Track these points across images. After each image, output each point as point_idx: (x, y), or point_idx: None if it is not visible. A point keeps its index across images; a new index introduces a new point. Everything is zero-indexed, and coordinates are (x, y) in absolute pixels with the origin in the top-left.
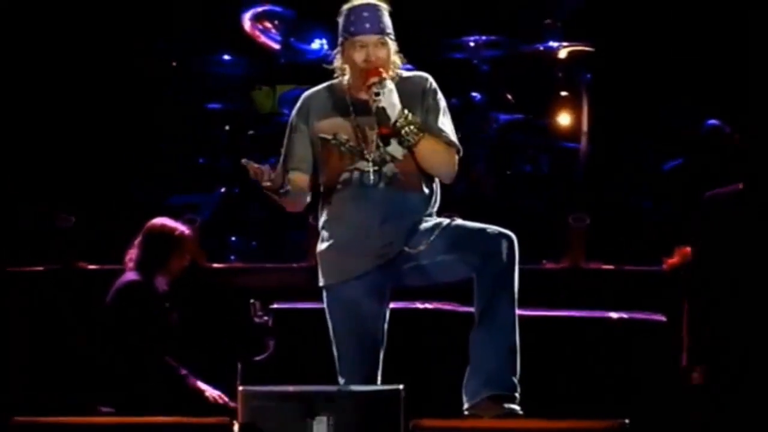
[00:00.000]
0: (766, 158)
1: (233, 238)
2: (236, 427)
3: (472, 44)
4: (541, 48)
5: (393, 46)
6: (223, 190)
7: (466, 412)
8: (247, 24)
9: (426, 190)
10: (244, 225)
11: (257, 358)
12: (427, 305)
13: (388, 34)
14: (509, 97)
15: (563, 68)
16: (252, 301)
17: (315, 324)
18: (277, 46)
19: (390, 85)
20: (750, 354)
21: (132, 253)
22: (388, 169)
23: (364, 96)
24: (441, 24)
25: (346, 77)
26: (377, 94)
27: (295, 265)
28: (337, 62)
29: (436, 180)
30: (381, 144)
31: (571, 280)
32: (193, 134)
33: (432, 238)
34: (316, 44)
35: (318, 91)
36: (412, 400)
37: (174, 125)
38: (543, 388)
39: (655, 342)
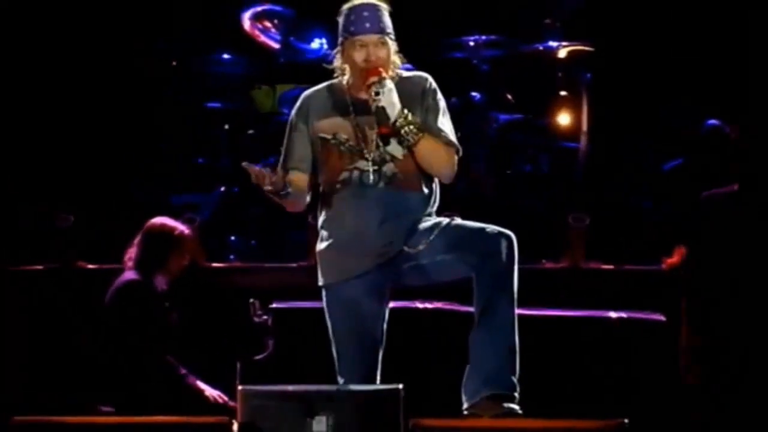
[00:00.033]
0: (763, 158)
1: (233, 238)
2: (236, 427)
3: (471, 44)
4: (541, 48)
5: (393, 45)
6: (222, 189)
7: (465, 412)
8: (246, 23)
9: (425, 190)
10: (243, 224)
11: (257, 358)
12: (427, 305)
13: (388, 34)
14: (509, 96)
15: (563, 68)
16: (251, 300)
17: (314, 323)
18: (276, 46)
19: (390, 84)
20: (749, 354)
21: (131, 253)
22: (388, 168)
23: (363, 95)
24: (441, 24)
25: (346, 77)
26: (377, 94)
27: (294, 264)
28: (337, 62)
29: (436, 180)
30: (381, 143)
31: (570, 280)
32: (192, 134)
33: (431, 238)
34: (315, 44)
35: (318, 91)
36: (412, 400)
37: (174, 125)
38: (542, 387)
39: (655, 342)
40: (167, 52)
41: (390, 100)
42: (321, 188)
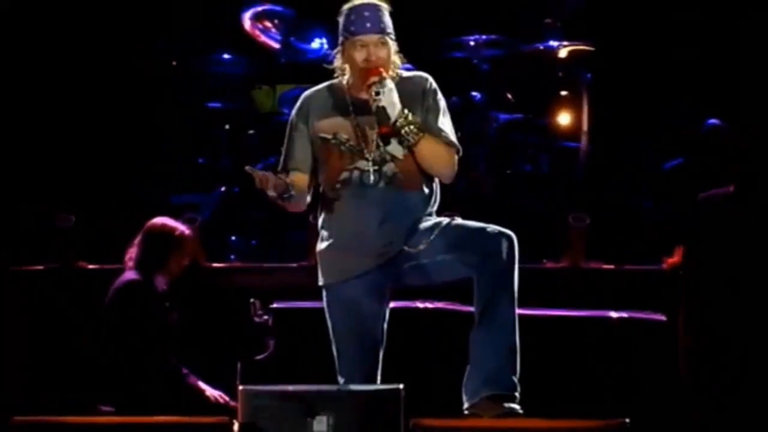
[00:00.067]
0: (762, 159)
1: (233, 238)
2: (236, 427)
3: (472, 43)
4: (542, 47)
5: (393, 45)
6: (223, 189)
7: (466, 412)
8: (247, 23)
9: (426, 190)
10: (244, 224)
11: (257, 358)
12: (427, 305)
13: (388, 34)
14: (509, 96)
15: (563, 68)
16: (252, 300)
17: (315, 323)
18: (277, 46)
19: (390, 84)
20: (748, 354)
21: (132, 253)
22: (388, 168)
23: (364, 95)
24: (441, 23)
25: (346, 77)
26: (377, 94)
27: (295, 264)
28: (338, 62)
29: (436, 179)
30: (381, 143)
31: (571, 280)
32: (193, 134)
33: (432, 238)
34: (316, 44)
35: (318, 91)
36: (412, 400)
37: (174, 125)
38: (543, 387)
39: (655, 342)
40: (167, 52)
41: (390, 99)
42: (321, 188)
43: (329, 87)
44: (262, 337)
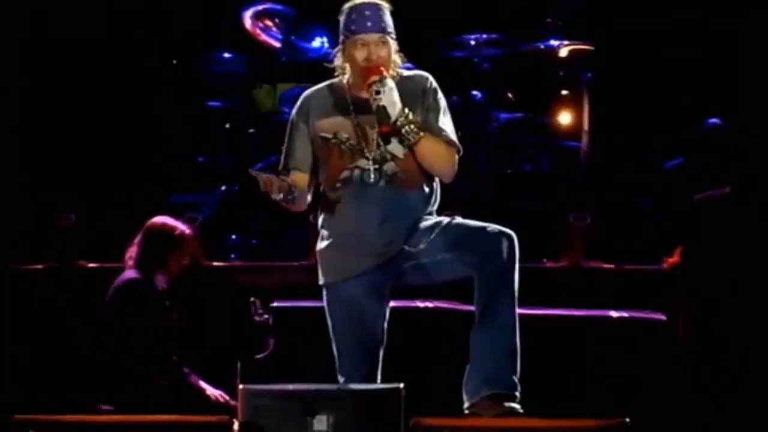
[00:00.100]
0: (761, 159)
1: (233, 237)
2: (236, 426)
3: (472, 43)
4: (542, 47)
5: (394, 45)
6: (223, 188)
7: (466, 411)
8: (247, 22)
9: (426, 189)
10: (244, 223)
11: (257, 357)
12: (428, 304)
13: (389, 33)
14: (510, 95)
15: (564, 67)
16: (252, 299)
17: (315, 322)
18: (277, 45)
19: (390, 83)
20: (747, 354)
21: (132, 252)
22: (389, 167)
23: (364, 95)
24: (442, 22)
25: (347, 76)
26: (378, 93)
27: (295, 263)
28: (338, 61)
29: (436, 179)
30: (381, 142)
31: (571, 279)
32: (193, 133)
33: (432, 237)
34: (316, 42)
35: (318, 90)
36: (412, 399)
37: (174, 124)
38: (543, 387)
39: (655, 341)
40: (168, 51)
41: (391, 99)
42: (321, 187)
43: (329, 86)
44: (262, 336)
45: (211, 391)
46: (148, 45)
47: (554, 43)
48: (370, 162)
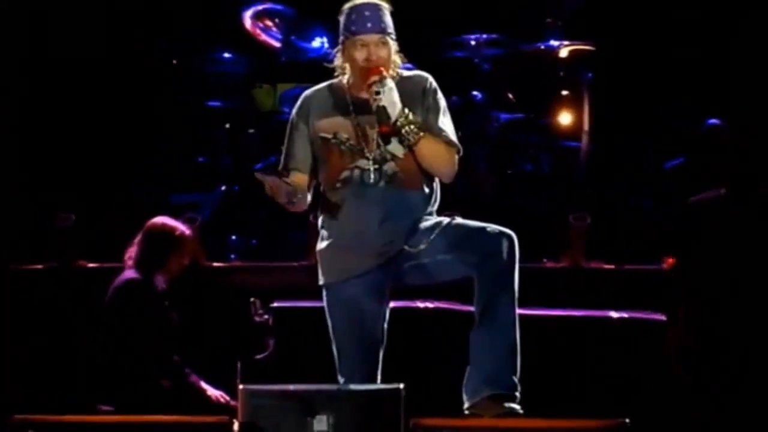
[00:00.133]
0: (759, 158)
1: (233, 237)
2: (236, 426)
3: (473, 43)
4: (543, 47)
5: (394, 45)
6: (223, 188)
7: (466, 411)
8: (247, 22)
9: (426, 189)
10: (244, 224)
11: (257, 357)
12: (428, 304)
13: (389, 34)
14: (510, 96)
15: (564, 67)
16: (252, 299)
17: (315, 323)
18: (277, 44)
19: (390, 83)
20: (749, 355)
21: (131, 252)
22: (389, 167)
23: (364, 95)
24: (442, 23)
25: (347, 76)
26: (378, 93)
27: (295, 263)
28: (338, 61)
29: (436, 179)
30: (381, 143)
31: (571, 280)
32: (193, 133)
33: (432, 237)
34: (316, 42)
35: (318, 90)
36: (413, 399)
37: (174, 124)
38: (543, 387)
39: (655, 341)
40: (168, 51)
41: (391, 99)
42: (322, 187)
43: (329, 86)
44: (262, 336)
45: (212, 391)
46: (148, 45)
47: (554, 43)
48: (370, 162)
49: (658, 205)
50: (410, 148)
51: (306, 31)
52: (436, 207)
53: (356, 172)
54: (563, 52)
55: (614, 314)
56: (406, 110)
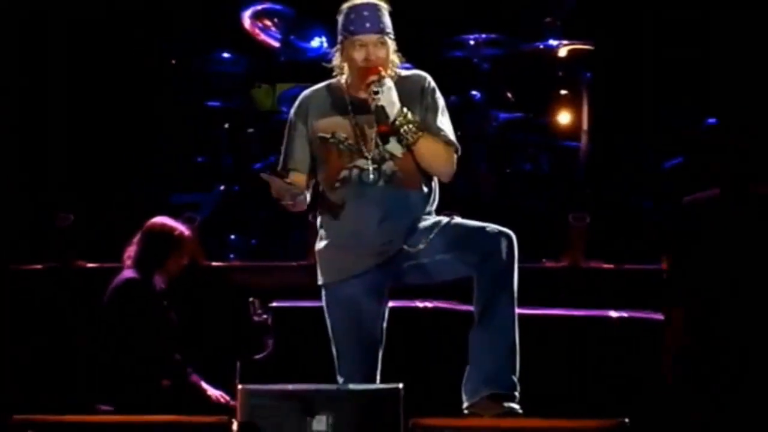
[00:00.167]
0: (757, 160)
1: (233, 237)
2: (235, 426)
3: (472, 42)
4: (542, 46)
5: (392, 45)
6: (222, 188)
7: (465, 411)
8: (246, 22)
9: (425, 189)
10: (243, 223)
11: (256, 357)
12: (427, 304)
13: (387, 34)
14: (509, 95)
15: (563, 67)
16: (251, 299)
17: (314, 323)
18: (276, 44)
19: (389, 83)
20: (749, 355)
21: (130, 251)
22: (388, 167)
23: (362, 95)
24: (441, 22)
25: (345, 75)
26: (376, 93)
27: (294, 263)
28: (336, 61)
29: (435, 178)
30: (380, 142)
31: (571, 279)
32: (192, 132)
33: (431, 237)
34: (315, 42)
35: (316, 90)
36: (412, 399)
37: (174, 123)
38: (543, 387)
39: (655, 341)
40: (167, 50)
41: (389, 98)
42: (320, 187)
43: (328, 86)
44: (262, 336)
45: (213, 391)
46: (148, 45)
47: (553, 42)
48: (369, 162)
49: (658, 205)
50: (409, 148)
51: (305, 31)
52: (434, 206)
53: (355, 171)
54: (562, 52)
55: (614, 314)
56: (405, 110)
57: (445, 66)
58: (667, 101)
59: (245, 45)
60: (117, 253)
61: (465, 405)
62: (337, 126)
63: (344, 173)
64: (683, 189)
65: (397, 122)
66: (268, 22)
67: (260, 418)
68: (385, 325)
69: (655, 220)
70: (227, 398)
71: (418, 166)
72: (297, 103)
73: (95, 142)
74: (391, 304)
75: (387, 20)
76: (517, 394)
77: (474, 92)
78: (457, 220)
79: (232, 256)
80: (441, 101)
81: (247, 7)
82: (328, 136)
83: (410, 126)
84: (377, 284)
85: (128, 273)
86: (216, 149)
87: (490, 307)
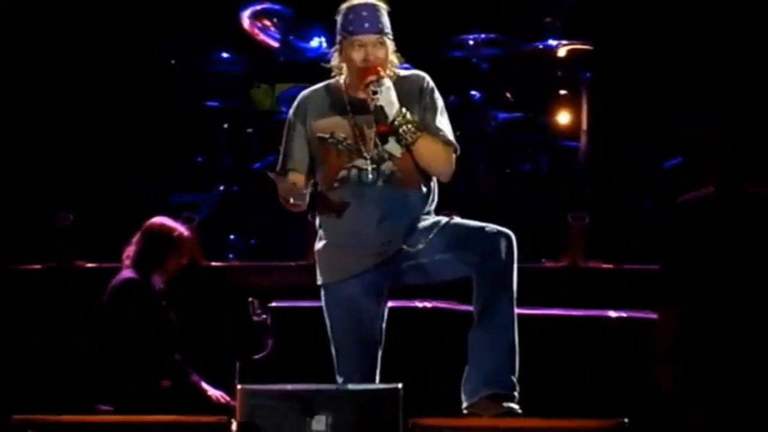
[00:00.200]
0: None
1: (232, 237)
2: (234, 426)
3: (471, 42)
4: (541, 46)
5: (391, 45)
6: (221, 188)
7: (465, 411)
8: (245, 22)
9: (424, 188)
10: (242, 223)
11: (256, 357)
12: (426, 304)
13: (386, 34)
14: (509, 95)
15: (563, 67)
16: (250, 299)
17: (313, 323)
18: (275, 44)
19: (388, 83)
20: (749, 355)
21: (129, 251)
22: (387, 167)
23: (361, 95)
24: (440, 22)
25: (344, 76)
26: (375, 93)
27: (293, 263)
28: (335, 61)
29: (434, 178)
30: (379, 142)
31: (570, 279)
32: (192, 133)
33: (430, 237)
34: (314, 42)
35: (315, 91)
36: (411, 399)
37: (173, 123)
38: (542, 387)
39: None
40: (167, 51)
41: (388, 98)
42: (319, 187)
43: (326, 87)
44: (261, 336)
45: (213, 391)
46: (148, 45)
47: (553, 42)
48: (368, 162)
49: (657, 205)
50: (408, 148)
51: (304, 31)
52: (434, 206)
53: (354, 171)
54: (561, 52)
55: (613, 314)
56: (404, 110)
57: (445, 66)
58: (666, 101)
59: (244, 45)
60: (116, 253)
61: (464, 405)
62: (336, 126)
63: (343, 173)
64: (683, 189)
65: (396, 122)
66: (267, 22)
67: (260, 418)
68: (384, 325)
69: (655, 220)
70: (227, 398)
71: (417, 166)
72: (296, 103)
73: (95, 142)
74: (390, 304)
75: (386, 20)
76: (516, 394)
77: (473, 92)
78: (457, 220)
79: (231, 256)
80: (440, 101)
81: (246, 7)
82: (327, 136)
83: (409, 126)
84: (376, 284)
85: (127, 273)
86: (215, 149)
87: (490, 307)
